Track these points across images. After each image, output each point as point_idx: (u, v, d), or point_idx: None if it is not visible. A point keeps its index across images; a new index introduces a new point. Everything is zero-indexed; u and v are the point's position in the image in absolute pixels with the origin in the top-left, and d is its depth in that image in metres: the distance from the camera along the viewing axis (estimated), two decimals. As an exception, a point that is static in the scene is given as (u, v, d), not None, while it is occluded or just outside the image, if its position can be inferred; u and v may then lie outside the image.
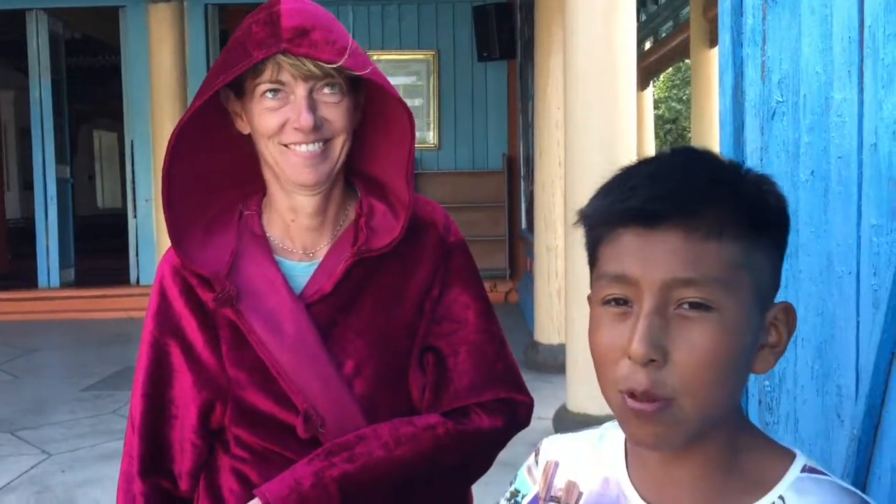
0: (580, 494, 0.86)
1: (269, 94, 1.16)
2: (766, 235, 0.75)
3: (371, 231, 1.22)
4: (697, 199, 0.72)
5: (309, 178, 1.18)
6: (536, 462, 0.91)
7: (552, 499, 0.88)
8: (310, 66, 1.13)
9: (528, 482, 0.91)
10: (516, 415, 1.27)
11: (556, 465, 0.89)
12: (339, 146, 1.19)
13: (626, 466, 0.84)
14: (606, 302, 0.75)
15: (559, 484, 0.88)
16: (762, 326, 0.76)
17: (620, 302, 0.74)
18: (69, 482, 3.80)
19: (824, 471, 0.77)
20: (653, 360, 0.71)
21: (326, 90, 1.17)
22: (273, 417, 1.20)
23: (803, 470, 0.77)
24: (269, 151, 1.19)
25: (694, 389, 0.71)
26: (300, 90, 1.15)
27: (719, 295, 0.71)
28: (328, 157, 1.18)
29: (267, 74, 1.15)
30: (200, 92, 1.18)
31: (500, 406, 1.25)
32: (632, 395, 0.72)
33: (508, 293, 8.26)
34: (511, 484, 0.94)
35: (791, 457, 0.78)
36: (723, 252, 0.71)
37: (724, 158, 0.78)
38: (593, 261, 0.79)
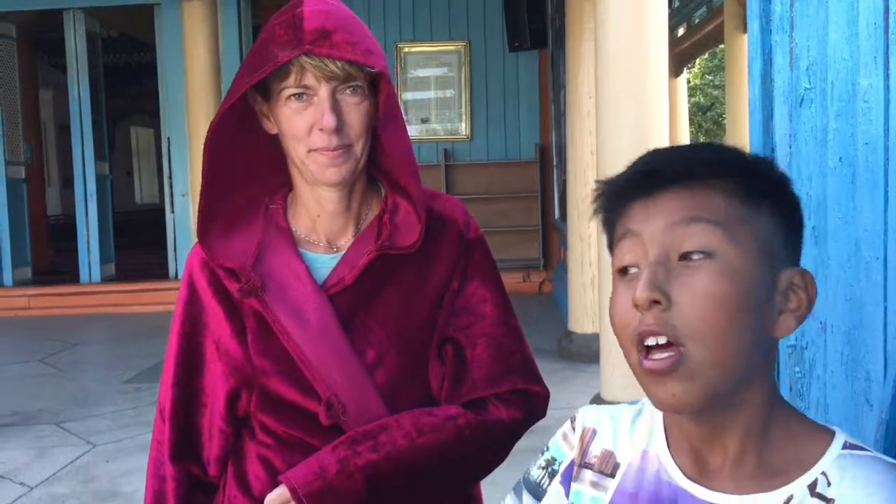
0: (616, 465, 0.88)
1: (294, 98, 1.19)
2: (766, 204, 0.78)
3: (395, 227, 1.26)
4: (697, 164, 0.79)
5: (333, 178, 1.22)
6: (573, 428, 0.93)
7: (586, 465, 0.90)
8: (332, 66, 1.16)
9: (564, 448, 0.93)
10: (533, 406, 1.30)
11: (594, 432, 0.91)
12: (361, 146, 1.23)
13: (667, 441, 0.86)
14: (620, 271, 0.80)
15: (595, 451, 0.90)
16: (776, 288, 0.78)
17: (632, 269, 0.79)
18: (113, 472, 3.90)
19: (866, 447, 0.78)
20: (656, 303, 0.74)
21: (348, 92, 1.20)
22: (296, 405, 1.24)
23: (844, 447, 0.78)
24: (296, 152, 1.22)
25: (699, 332, 0.74)
26: (323, 91, 1.18)
27: (720, 240, 0.75)
28: (350, 156, 1.22)
29: (292, 78, 1.18)
30: (229, 94, 1.21)
31: (517, 397, 1.28)
32: (646, 352, 0.75)
33: (542, 283, 8.26)
34: (542, 454, 0.95)
35: (831, 434, 0.80)
36: (724, 202, 0.76)
37: (743, 150, 0.82)
38: (611, 238, 0.84)
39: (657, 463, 0.85)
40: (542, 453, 0.95)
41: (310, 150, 1.21)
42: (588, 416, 0.93)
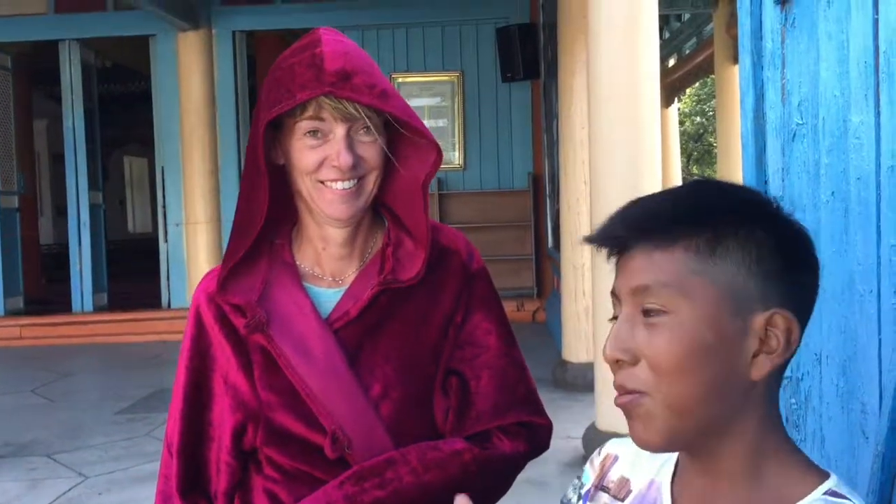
0: (629, 492, 0.92)
1: (309, 134, 1.22)
2: (727, 249, 0.79)
3: (397, 261, 1.27)
4: (655, 221, 0.81)
5: (343, 213, 1.24)
6: (599, 453, 0.99)
7: (603, 487, 0.94)
8: (350, 108, 1.19)
9: (590, 473, 0.98)
10: (537, 438, 1.31)
11: (616, 458, 0.96)
12: (372, 182, 1.25)
13: (673, 473, 0.89)
14: (611, 320, 0.85)
15: (613, 476, 0.94)
16: (746, 332, 0.79)
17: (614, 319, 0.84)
18: (105, 504, 3.86)
19: (849, 496, 0.78)
20: (619, 361, 0.81)
21: (362, 131, 1.22)
22: (302, 438, 1.24)
23: (827, 493, 0.78)
24: (304, 186, 1.24)
25: (659, 384, 0.79)
26: (339, 130, 1.21)
27: (673, 299, 0.79)
28: (362, 193, 1.24)
29: (309, 115, 1.20)
30: (253, 133, 1.23)
31: (522, 430, 1.29)
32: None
33: (536, 312, 8.26)
34: (579, 477, 1.01)
35: (822, 479, 0.80)
36: (675, 261, 0.80)
37: (729, 185, 0.84)
38: None
39: (657, 493, 0.88)
40: (579, 477, 1.00)
41: (319, 182, 1.23)
42: (614, 445, 0.98)
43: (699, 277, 0.79)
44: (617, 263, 0.84)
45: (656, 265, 0.80)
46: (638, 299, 0.81)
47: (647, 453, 0.92)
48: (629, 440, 0.94)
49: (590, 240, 0.86)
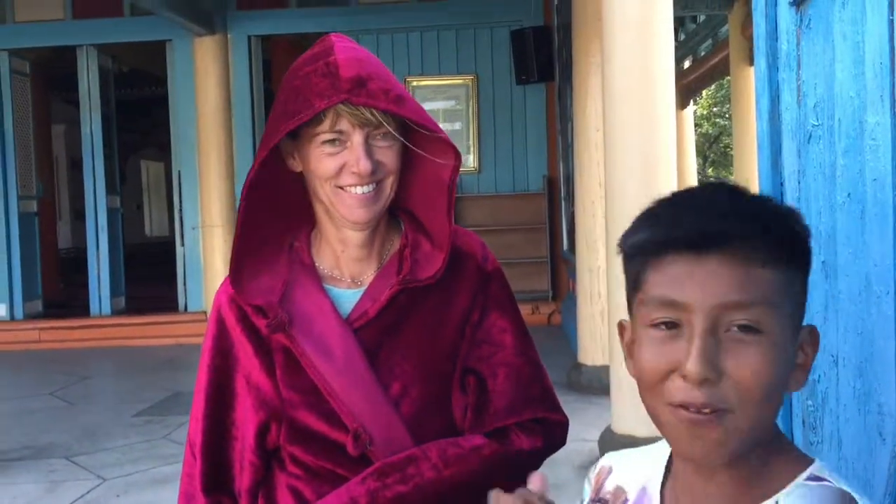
0: (626, 501, 0.92)
1: (328, 143, 1.24)
2: (798, 264, 0.80)
3: (415, 262, 1.30)
4: (744, 228, 0.77)
5: (362, 217, 1.26)
6: (595, 468, 0.98)
7: (600, 500, 0.94)
8: (367, 114, 1.21)
9: (587, 488, 0.98)
10: (553, 434, 1.33)
11: (610, 470, 0.96)
12: (389, 186, 1.27)
13: (663, 479, 0.88)
14: (655, 325, 0.79)
15: (609, 487, 0.94)
16: (796, 347, 0.81)
17: (670, 325, 0.78)
18: (124, 506, 3.89)
19: (830, 478, 0.79)
20: (707, 379, 0.75)
21: (380, 136, 1.24)
22: (324, 436, 1.26)
23: (809, 478, 0.80)
24: (323, 191, 1.26)
25: (748, 405, 0.76)
26: (357, 137, 1.23)
27: (767, 317, 0.76)
28: (380, 197, 1.26)
29: (327, 123, 1.22)
30: (265, 140, 1.25)
31: (538, 426, 1.32)
32: (685, 407, 0.76)
33: (551, 315, 8.25)
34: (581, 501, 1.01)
35: (807, 465, 0.81)
36: (767, 277, 0.76)
37: (757, 192, 0.83)
38: (637, 286, 0.83)
39: (647, 500, 0.89)
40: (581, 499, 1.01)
41: (338, 188, 1.25)
42: (609, 457, 0.98)
43: (784, 295, 0.77)
44: (673, 264, 0.78)
45: (751, 276, 0.76)
46: (725, 314, 0.76)
47: (640, 462, 0.92)
48: (623, 452, 0.96)
49: (667, 241, 0.79)
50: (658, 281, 0.79)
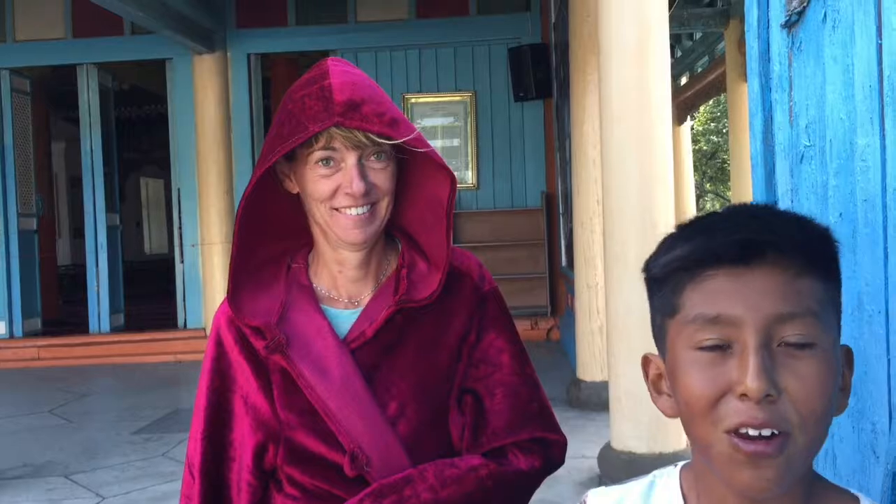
0: None
1: (321, 163, 1.25)
2: (835, 276, 0.78)
3: (411, 283, 1.30)
4: (787, 238, 0.75)
5: (357, 238, 1.27)
6: None
7: None
8: (360, 137, 1.22)
9: None
10: (551, 454, 1.33)
11: None
12: (384, 207, 1.28)
13: None
14: (701, 347, 0.75)
15: None
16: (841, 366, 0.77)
17: (716, 347, 0.74)
18: (122, 524, 3.88)
19: None
20: (768, 395, 0.71)
21: (373, 157, 1.26)
22: (322, 457, 1.27)
23: None
24: (319, 213, 1.28)
25: (808, 422, 0.72)
26: (351, 158, 1.24)
27: (816, 329, 0.73)
28: (375, 218, 1.27)
29: (321, 145, 1.24)
30: (260, 162, 1.27)
31: (536, 446, 1.32)
32: (744, 436, 0.72)
33: (550, 330, 8.25)
34: None
35: (853, 500, 0.79)
36: (814, 288, 0.74)
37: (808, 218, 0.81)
38: (673, 310, 0.78)
39: None
40: None
41: (333, 209, 1.26)
42: (594, 495, 0.91)
43: (830, 307, 0.75)
44: (713, 279, 0.74)
45: (801, 288, 0.73)
46: (776, 328, 0.73)
47: (637, 500, 0.86)
48: (610, 490, 0.89)
49: (707, 256, 0.75)
50: (700, 299, 0.75)
